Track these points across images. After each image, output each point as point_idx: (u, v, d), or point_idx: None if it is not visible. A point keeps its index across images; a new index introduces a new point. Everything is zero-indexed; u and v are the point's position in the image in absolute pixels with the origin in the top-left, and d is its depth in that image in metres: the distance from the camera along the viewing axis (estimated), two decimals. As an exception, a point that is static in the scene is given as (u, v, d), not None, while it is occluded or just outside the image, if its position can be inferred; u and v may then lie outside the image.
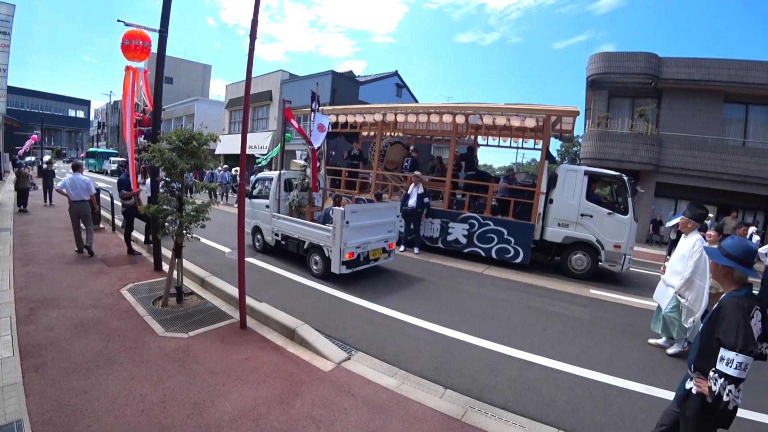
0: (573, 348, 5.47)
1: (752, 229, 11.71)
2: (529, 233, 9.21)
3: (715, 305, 2.60)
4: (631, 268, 9.99)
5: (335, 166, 13.32)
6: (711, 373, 2.38)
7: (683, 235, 5.55)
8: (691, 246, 5.24)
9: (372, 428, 3.38)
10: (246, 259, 7.51)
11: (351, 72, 32.39)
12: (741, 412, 3.78)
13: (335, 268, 7.08)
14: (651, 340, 5.79)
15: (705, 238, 5.49)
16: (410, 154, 12.09)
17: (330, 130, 12.43)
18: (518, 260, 9.28)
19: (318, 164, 9.73)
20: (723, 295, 2.61)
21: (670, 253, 15.08)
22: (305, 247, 7.83)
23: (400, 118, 11.00)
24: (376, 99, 25.66)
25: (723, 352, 2.31)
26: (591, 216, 8.99)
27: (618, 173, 9.35)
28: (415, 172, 10.28)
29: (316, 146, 8.68)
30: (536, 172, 9.86)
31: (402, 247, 10.20)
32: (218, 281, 6.59)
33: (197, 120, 33.27)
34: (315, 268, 7.63)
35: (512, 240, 9.31)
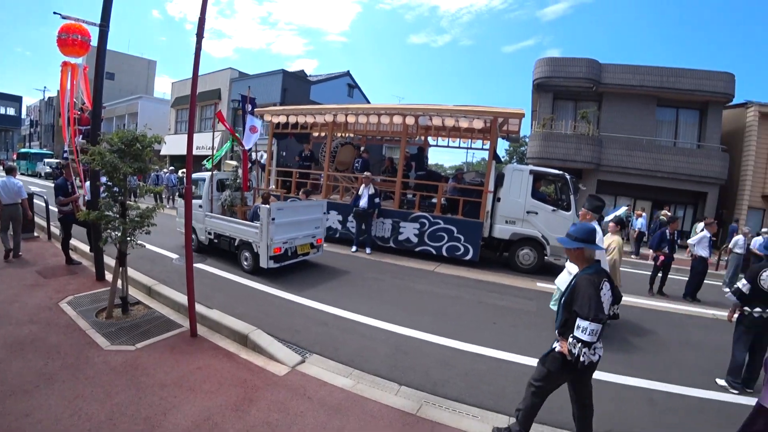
0: (522, 339, 5.74)
1: (701, 224, 12.42)
2: (478, 231, 9.51)
3: (571, 281, 3.19)
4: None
5: (286, 167, 13.18)
6: (570, 339, 2.96)
7: None
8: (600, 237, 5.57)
9: (329, 429, 3.41)
10: (195, 264, 7.34)
11: (302, 71, 32.04)
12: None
13: (263, 263, 7.41)
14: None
15: (600, 225, 5.89)
16: (361, 154, 12.16)
17: (281, 130, 12.43)
18: (468, 257, 9.55)
19: (249, 165, 9.70)
20: (577, 273, 3.20)
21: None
22: (236, 244, 8.11)
23: (351, 118, 11.04)
24: (328, 99, 25.54)
25: (579, 322, 2.91)
26: (536, 213, 9.42)
27: (561, 172, 9.83)
28: (366, 173, 10.36)
29: (247, 147, 8.83)
30: (485, 171, 10.18)
31: (354, 248, 10.25)
32: (166, 289, 6.34)
33: (141, 119, 31.87)
34: (245, 263, 7.91)
35: (462, 238, 9.59)
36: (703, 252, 9.11)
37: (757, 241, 10.71)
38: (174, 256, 8.74)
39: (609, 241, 6.39)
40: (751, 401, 4.55)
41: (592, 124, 20.08)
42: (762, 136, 20.71)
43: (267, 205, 7.51)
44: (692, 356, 5.83)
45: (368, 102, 31.93)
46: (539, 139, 19.99)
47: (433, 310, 6.56)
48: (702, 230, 9.78)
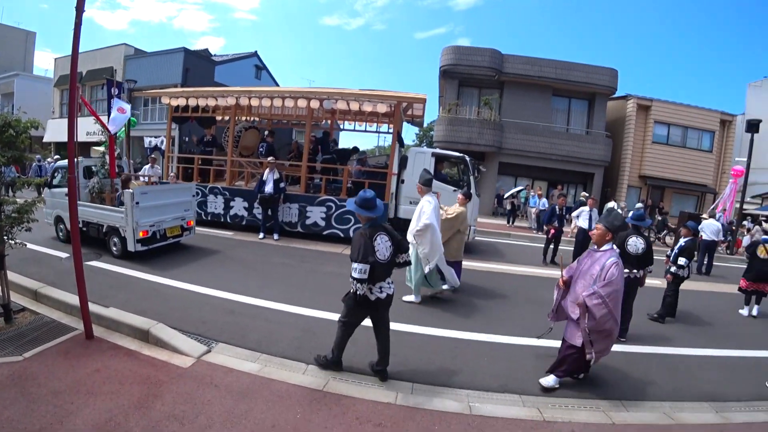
0: (424, 312, 6.14)
1: (586, 199, 13.75)
2: (384, 212, 9.72)
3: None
4: (477, 238, 11.32)
5: (189, 153, 12.54)
6: (350, 279, 3.88)
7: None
8: (420, 207, 6.21)
9: (237, 413, 3.42)
10: (90, 263, 6.87)
11: (207, 50, 30.33)
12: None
13: (131, 247, 7.44)
14: (404, 298, 6.55)
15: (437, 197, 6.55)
16: (266, 139, 11.86)
17: (181, 114, 11.76)
18: None
19: (117, 150, 9.24)
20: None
21: (509, 222, 17.28)
22: (104, 230, 7.98)
23: (255, 102, 10.70)
24: (234, 81, 24.39)
25: (352, 264, 3.82)
26: (438, 193, 9.80)
27: (461, 154, 10.33)
28: (270, 158, 10.16)
29: (113, 132, 8.37)
30: (404, 154, 10.47)
31: (261, 235, 10.08)
32: (55, 291, 5.71)
33: (17, 100, 28.36)
34: (114, 249, 7.83)
35: None
36: (583, 224, 10.11)
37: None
38: (64, 255, 7.98)
39: (454, 211, 6.98)
40: (624, 348, 5.51)
41: (494, 110, 21.19)
42: (639, 125, 23.23)
43: (129, 189, 7.52)
44: None
45: (277, 85, 30.95)
46: (445, 123, 20.76)
47: (340, 291, 6.43)
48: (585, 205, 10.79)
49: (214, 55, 30.15)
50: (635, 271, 5.91)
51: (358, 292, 3.85)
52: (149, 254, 7.88)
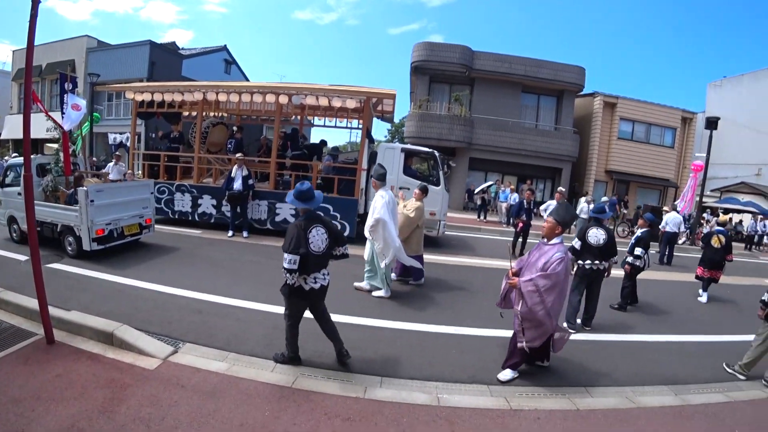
0: (394, 307, 6.18)
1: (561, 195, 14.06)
2: (353, 208, 9.74)
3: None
4: (447, 232, 11.44)
5: (155, 150, 12.24)
6: (282, 270, 3.87)
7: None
8: (373, 202, 6.34)
9: (204, 413, 3.37)
10: (51, 264, 6.64)
11: (174, 43, 29.67)
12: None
13: (86, 246, 7.25)
14: (356, 284, 6.77)
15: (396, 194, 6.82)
16: (234, 135, 11.68)
17: (146, 109, 11.47)
18: (345, 234, 9.68)
19: (72, 147, 9.00)
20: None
21: (479, 217, 17.52)
22: (59, 230, 7.75)
23: (223, 97, 10.52)
24: (203, 75, 23.90)
25: (284, 255, 3.84)
26: (408, 188, 9.88)
27: (430, 150, 10.41)
28: (238, 154, 10.00)
29: (67, 128, 8.13)
30: (374, 150, 10.46)
31: (230, 233, 9.90)
32: (13, 296, 5.44)
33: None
34: (70, 249, 7.63)
35: (338, 215, 9.73)
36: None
37: (582, 208, 12.87)
38: (23, 258, 7.67)
39: (412, 207, 7.09)
40: (589, 337, 5.77)
41: (465, 106, 21.43)
42: (605, 121, 23.93)
43: (83, 187, 7.31)
44: None
45: (247, 80, 30.52)
46: (416, 119, 20.88)
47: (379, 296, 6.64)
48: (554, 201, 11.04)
49: (182, 49, 29.52)
50: (597, 262, 6.06)
51: (288, 282, 3.92)
52: (113, 255, 7.68)
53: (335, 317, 5.51)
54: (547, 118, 23.73)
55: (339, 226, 9.63)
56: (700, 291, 8.73)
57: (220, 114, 13.41)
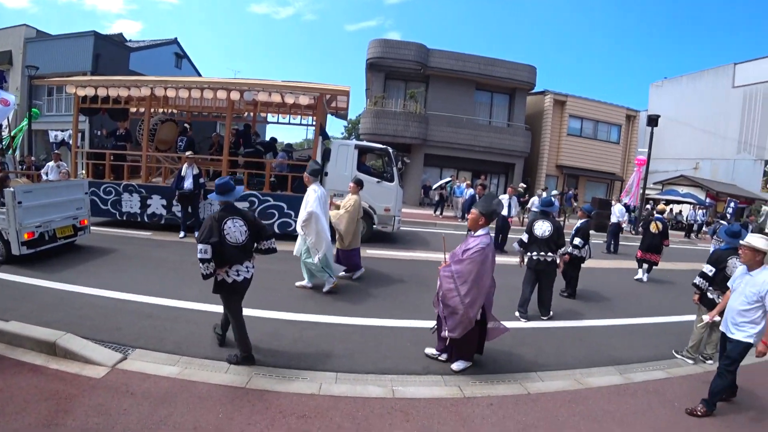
0: (347, 302, 6.25)
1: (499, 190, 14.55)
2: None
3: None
4: (402, 228, 11.57)
5: (100, 148, 11.70)
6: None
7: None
8: (305, 197, 6.42)
9: (155, 419, 3.28)
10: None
11: (121, 35, 28.40)
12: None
13: (15, 250, 6.85)
14: (297, 283, 6.78)
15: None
16: (185, 132, 11.34)
17: (90, 105, 10.92)
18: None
19: (0, 145, 8.52)
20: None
21: (436, 212, 17.78)
22: None
23: (172, 93, 10.16)
24: (151, 69, 22.87)
25: (198, 246, 3.91)
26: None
27: (384, 146, 10.47)
28: (188, 152, 9.72)
29: None
30: (328, 147, 10.39)
31: (182, 234, 9.62)
32: None
33: None
34: None
35: (293, 213, 9.53)
36: (504, 211, 10.76)
37: (533, 201, 13.47)
38: None
39: (347, 202, 7.09)
40: (542, 324, 6.07)
41: (420, 103, 21.66)
42: (555, 118, 24.87)
43: (10, 188, 6.92)
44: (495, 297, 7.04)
45: (199, 75, 29.62)
46: (371, 116, 20.95)
47: (261, 286, 6.39)
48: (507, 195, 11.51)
49: (130, 41, 28.35)
50: (543, 253, 6.35)
51: (202, 272, 3.98)
52: (56, 260, 7.29)
53: (290, 315, 5.58)
54: (500, 115, 24.37)
55: (292, 225, 9.61)
56: (639, 271, 9.80)
57: (170, 110, 12.97)
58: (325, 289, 6.53)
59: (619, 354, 5.46)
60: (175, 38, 29.12)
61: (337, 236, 7.07)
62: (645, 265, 9.84)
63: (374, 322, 5.60)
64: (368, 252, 9.25)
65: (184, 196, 9.31)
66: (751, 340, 4.00)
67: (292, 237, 9.60)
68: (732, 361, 4.09)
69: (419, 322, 5.66)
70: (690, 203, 25.71)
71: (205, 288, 6.21)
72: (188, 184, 9.26)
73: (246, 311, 5.45)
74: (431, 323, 5.61)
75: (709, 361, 5.37)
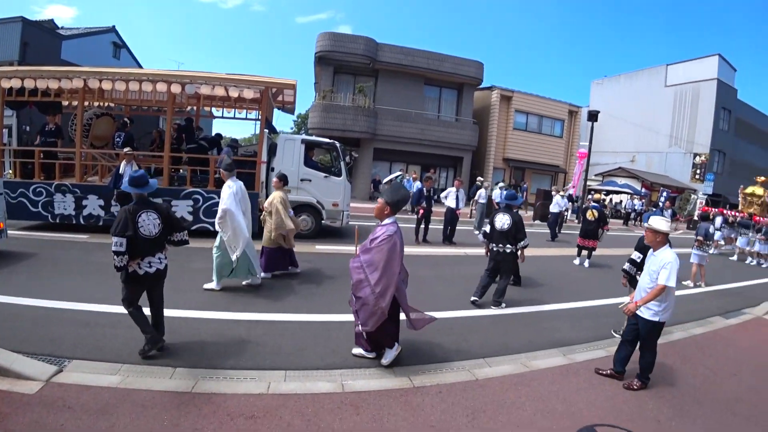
0: (296, 298, 6.20)
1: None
2: (254, 203, 9.24)
3: None
4: (352, 222, 11.63)
5: (30, 145, 10.88)
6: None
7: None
8: (222, 193, 6.26)
9: None
10: None
11: (52, 21, 26.48)
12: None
13: None
14: (205, 286, 6.40)
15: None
16: (123, 127, 10.77)
17: (17, 98, 10.14)
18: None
19: None
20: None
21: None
22: None
23: (107, 85, 9.59)
24: (87, 59, 21.49)
25: (113, 239, 3.95)
26: (310, 180, 9.84)
27: (331, 141, 10.41)
28: (126, 149, 9.21)
29: None
30: (274, 141, 10.14)
31: (123, 237, 9.14)
32: None
33: None
34: None
35: None
36: (451, 204, 10.98)
37: (497, 194, 13.88)
38: None
39: (272, 200, 6.86)
40: (488, 312, 6.23)
41: (369, 97, 21.63)
42: (502, 113, 25.57)
43: None
44: (443, 287, 7.44)
45: (139, 66, 28.22)
46: (320, 110, 20.76)
47: (201, 287, 6.36)
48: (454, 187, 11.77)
49: (62, 28, 26.48)
50: (501, 245, 6.59)
51: (116, 264, 3.98)
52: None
53: (235, 315, 5.45)
54: (448, 109, 24.76)
55: None
56: (578, 259, 10.49)
57: (106, 104, 12.28)
58: (205, 286, 6.33)
59: (563, 336, 5.78)
60: (113, 26, 27.56)
61: (283, 236, 6.90)
62: (585, 252, 10.45)
63: (323, 318, 5.57)
64: (317, 248, 9.22)
65: (123, 194, 8.82)
66: (656, 319, 4.29)
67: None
68: (643, 339, 4.41)
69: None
70: (627, 193, 27.61)
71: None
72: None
73: (190, 313, 5.39)
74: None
75: None
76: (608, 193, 27.00)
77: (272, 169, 9.71)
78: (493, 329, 5.77)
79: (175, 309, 5.37)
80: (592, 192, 24.30)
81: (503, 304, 6.59)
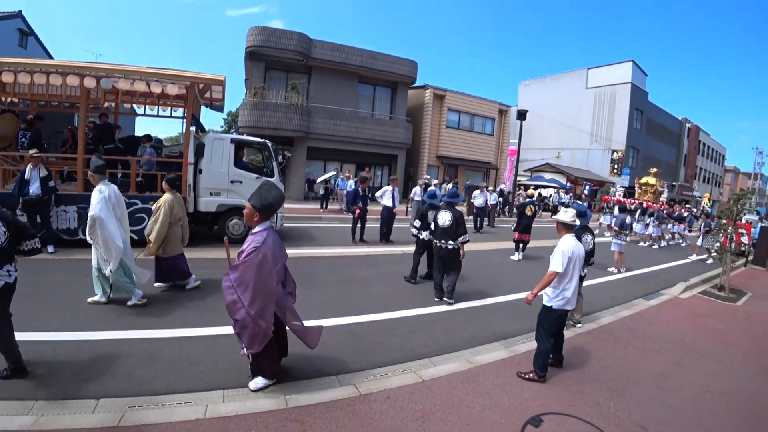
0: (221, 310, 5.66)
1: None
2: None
3: None
4: (287, 224, 11.42)
5: None
6: None
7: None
8: (91, 198, 5.53)
9: None
10: None
11: (-58, 7, 23.70)
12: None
13: None
14: (89, 299, 5.70)
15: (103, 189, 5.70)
16: (28, 126, 9.66)
17: None
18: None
19: None
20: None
21: (322, 206, 17.54)
22: None
23: (8, 77, 8.49)
24: (-15, 48, 19.51)
25: None
26: (241, 182, 9.38)
27: (262, 140, 9.97)
28: (32, 151, 8.08)
29: None
30: (201, 141, 9.48)
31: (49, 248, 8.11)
32: None
33: None
34: None
35: None
36: (387, 202, 10.98)
37: (416, 191, 14.07)
38: None
39: (161, 202, 6.25)
40: (418, 312, 6.12)
41: (302, 95, 21.11)
42: (435, 112, 26.00)
43: None
44: (383, 287, 7.41)
45: (50, 57, 25.77)
46: (251, 108, 19.99)
47: (135, 306, 5.68)
48: (389, 186, 11.68)
49: (-45, 12, 23.70)
50: (444, 241, 6.67)
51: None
52: None
53: (163, 333, 4.95)
54: (382, 107, 24.78)
55: None
56: (516, 253, 10.90)
57: (8, 99, 10.99)
58: (130, 303, 5.65)
59: (503, 329, 5.91)
60: (20, 11, 24.64)
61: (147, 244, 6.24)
62: (521, 245, 10.88)
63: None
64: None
65: (31, 203, 7.86)
66: (549, 304, 4.52)
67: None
68: (538, 323, 4.64)
69: (311, 322, 5.30)
70: (554, 187, 29.42)
71: (69, 313, 5.37)
72: (34, 188, 7.81)
73: (113, 335, 4.82)
74: (326, 321, 5.48)
75: (578, 325, 6.33)
76: (536, 187, 28.42)
77: (200, 171, 9.16)
78: (435, 327, 5.76)
79: (104, 330, 4.85)
80: (522, 187, 25.44)
81: (453, 301, 6.67)
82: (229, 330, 4.96)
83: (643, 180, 24.66)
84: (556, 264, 4.38)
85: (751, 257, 15.40)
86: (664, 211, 18.65)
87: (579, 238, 5.84)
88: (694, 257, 14.88)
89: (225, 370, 4.18)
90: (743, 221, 13.00)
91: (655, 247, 16.83)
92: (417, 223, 7.72)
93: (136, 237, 8.42)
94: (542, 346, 4.51)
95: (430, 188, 8.14)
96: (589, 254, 6.29)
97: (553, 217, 4.77)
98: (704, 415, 4.21)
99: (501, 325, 6.07)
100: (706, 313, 7.98)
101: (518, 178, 23.81)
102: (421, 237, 7.67)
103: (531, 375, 4.46)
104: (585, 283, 6.65)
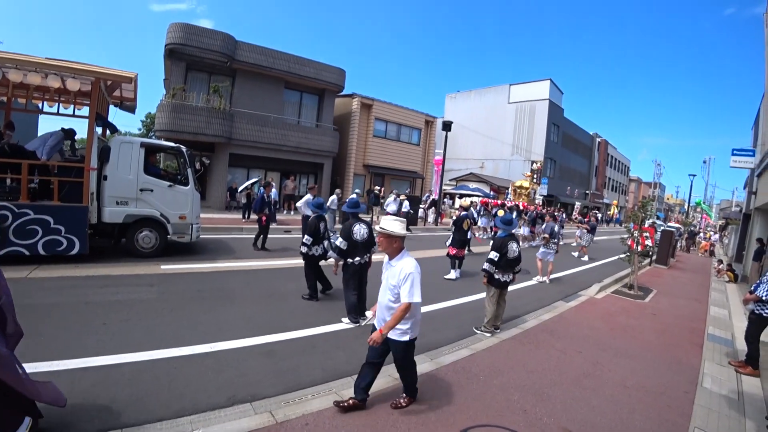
0: (136, 334, 5.11)
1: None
2: (82, 218, 7.79)
3: None
4: (204, 236, 10.72)
5: None
6: None
7: None
8: None
9: None
10: None
11: None
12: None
13: None
14: None
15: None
16: None
17: None
18: (74, 251, 7.76)
19: None
20: None
21: (244, 216, 16.77)
22: None
23: None
24: None
25: None
26: (152, 190, 8.68)
27: (177, 145, 9.29)
28: None
29: None
30: (107, 144, 8.58)
31: None
32: None
33: None
34: None
35: (62, 229, 7.64)
36: (307, 211, 10.71)
37: (332, 200, 14.42)
38: None
39: None
40: (344, 327, 5.55)
41: (225, 98, 20.19)
42: (362, 120, 26.05)
43: None
44: (303, 302, 7.16)
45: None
46: (169, 110, 18.70)
47: (35, 331, 4.86)
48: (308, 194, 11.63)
49: None
50: (366, 255, 6.37)
51: None
52: None
53: (71, 362, 4.28)
54: (309, 115, 24.37)
55: (64, 244, 7.70)
56: (452, 272, 10.13)
57: None
58: None
59: (428, 340, 5.79)
60: None
61: None
62: (457, 262, 10.13)
63: (167, 353, 4.68)
64: (162, 267, 8.17)
65: None
66: (406, 338, 3.79)
67: (66, 259, 7.87)
68: (399, 362, 3.97)
69: (222, 344, 5.06)
70: (478, 196, 30.49)
71: None
72: None
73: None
74: (238, 343, 5.16)
75: (497, 331, 6.48)
76: (462, 196, 29.27)
77: (105, 178, 8.31)
78: (358, 342, 5.52)
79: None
80: (448, 195, 26.05)
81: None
82: (123, 357, 4.50)
83: (518, 183, 26.50)
84: (414, 294, 3.62)
85: (654, 257, 17.47)
86: (537, 212, 20.62)
87: (506, 246, 6.25)
88: (586, 258, 16.48)
89: (125, 403, 3.66)
90: (647, 225, 14.16)
91: (526, 245, 17.36)
92: (307, 239, 7.03)
93: (27, 252, 7.47)
94: (414, 374, 4.09)
95: (351, 197, 7.67)
96: (515, 261, 6.44)
97: (377, 227, 4.02)
98: (623, 412, 4.40)
99: (425, 336, 5.62)
100: (619, 311, 8.62)
101: (444, 187, 24.39)
102: (311, 254, 7.13)
103: (406, 400, 4.04)
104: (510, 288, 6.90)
